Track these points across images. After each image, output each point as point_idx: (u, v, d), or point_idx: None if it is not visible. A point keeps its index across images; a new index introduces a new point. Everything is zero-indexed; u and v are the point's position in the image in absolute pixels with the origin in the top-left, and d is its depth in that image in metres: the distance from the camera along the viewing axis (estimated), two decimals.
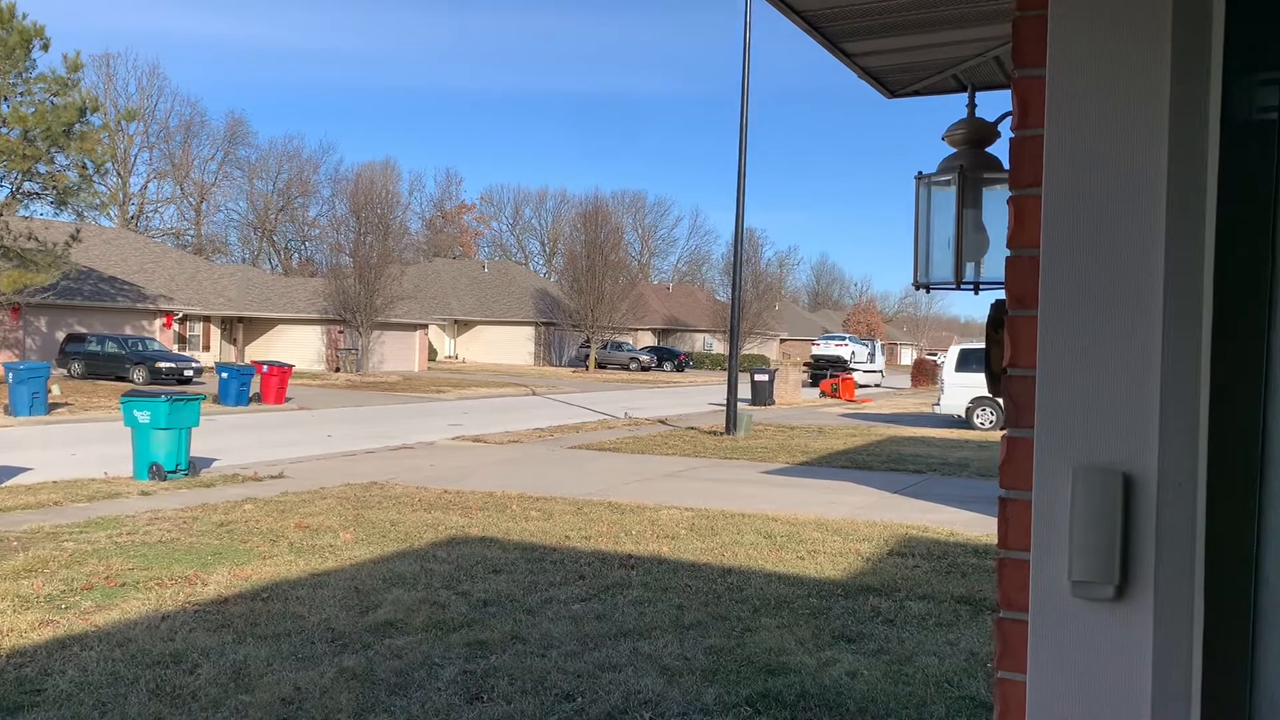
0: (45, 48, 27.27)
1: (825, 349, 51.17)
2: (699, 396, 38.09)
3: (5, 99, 27.05)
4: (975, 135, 2.53)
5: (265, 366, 28.22)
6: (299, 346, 46.00)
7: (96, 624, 6.41)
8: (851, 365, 48.40)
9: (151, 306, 40.01)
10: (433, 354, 56.20)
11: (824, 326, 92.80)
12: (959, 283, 2.46)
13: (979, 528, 10.55)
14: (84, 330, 35.58)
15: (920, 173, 2.60)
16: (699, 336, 74.10)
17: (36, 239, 28.08)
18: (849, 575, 8.22)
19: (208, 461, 14.71)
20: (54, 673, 5.45)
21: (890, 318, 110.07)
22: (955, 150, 2.54)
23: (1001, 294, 1.58)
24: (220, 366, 27.93)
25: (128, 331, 37.48)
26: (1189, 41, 1.30)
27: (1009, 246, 1.46)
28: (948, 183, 2.52)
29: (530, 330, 62.04)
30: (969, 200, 2.48)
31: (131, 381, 31.08)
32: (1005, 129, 2.54)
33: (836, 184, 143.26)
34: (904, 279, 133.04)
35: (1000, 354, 1.49)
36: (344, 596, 7.17)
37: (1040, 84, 1.40)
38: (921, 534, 10.16)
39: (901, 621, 6.83)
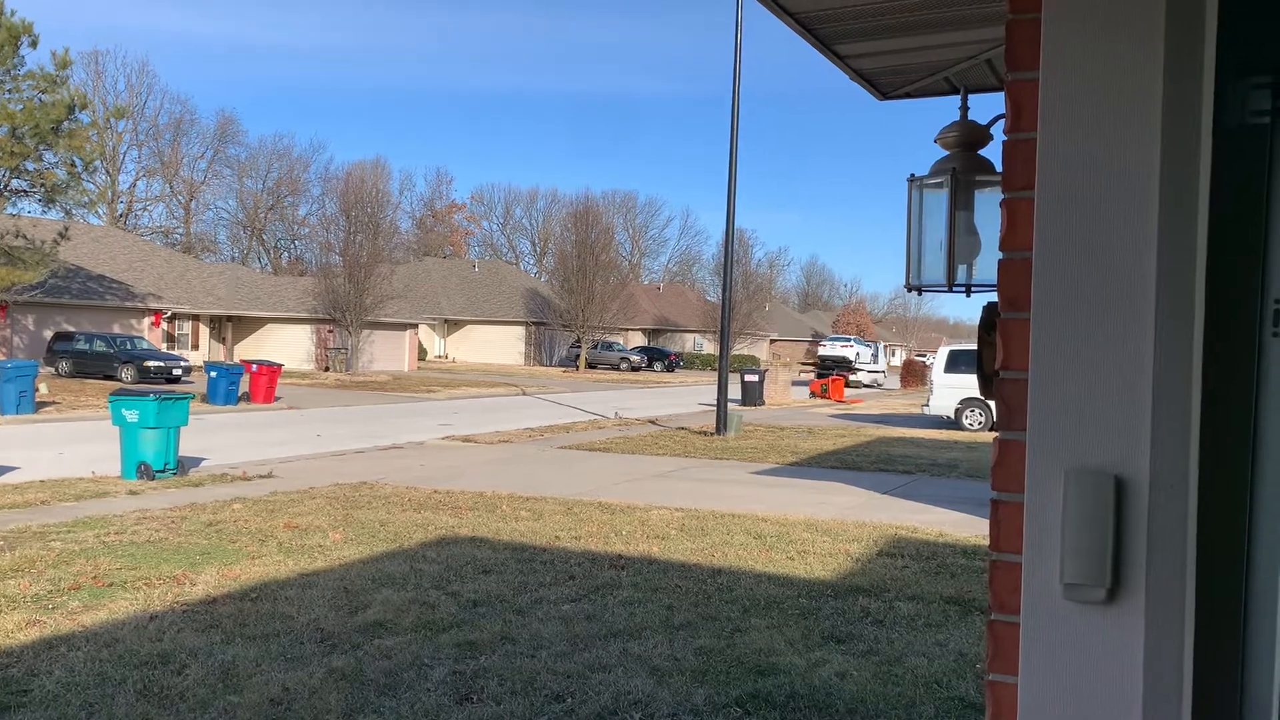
0: (34, 44, 27.11)
1: (831, 349, 52.95)
2: (689, 397, 38.10)
3: None
4: (968, 138, 2.54)
5: (254, 366, 28.12)
6: (288, 346, 45.86)
7: (84, 624, 6.38)
8: (856, 365, 50.51)
9: (140, 305, 39.84)
10: (423, 354, 56.09)
11: (814, 327, 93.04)
12: (951, 285, 2.46)
13: (968, 528, 10.58)
14: (72, 329, 35.41)
15: (913, 175, 2.60)
16: (689, 337, 74.15)
17: (24, 237, 27.91)
18: (838, 576, 8.23)
19: (196, 461, 14.65)
20: (41, 673, 5.42)
21: (880, 319, 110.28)
22: (948, 153, 2.54)
23: (993, 296, 1.58)
24: (209, 365, 27.82)
25: (116, 330, 37.30)
26: (1182, 45, 1.30)
27: (1001, 249, 1.46)
28: (940, 185, 2.52)
29: (521, 330, 61.98)
30: (961, 203, 2.48)
31: (120, 380, 30.93)
32: (998, 132, 2.54)
33: (827, 185, 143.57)
34: (893, 280, 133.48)
35: (992, 356, 1.49)
36: (333, 597, 7.15)
37: (1033, 87, 1.40)
38: (911, 534, 10.18)
39: (891, 622, 6.84)
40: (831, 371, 47.44)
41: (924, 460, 17.41)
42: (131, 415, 12.64)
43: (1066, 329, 1.36)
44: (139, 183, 70.82)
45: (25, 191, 29.08)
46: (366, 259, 45.18)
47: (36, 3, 32.12)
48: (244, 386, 27.47)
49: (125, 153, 67.24)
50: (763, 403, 33.03)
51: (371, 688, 5.36)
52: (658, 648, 6.14)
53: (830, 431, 23.35)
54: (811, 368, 48.78)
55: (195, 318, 44.97)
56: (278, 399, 28.45)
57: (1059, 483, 1.35)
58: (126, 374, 31.61)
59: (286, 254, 78.31)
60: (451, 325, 63.91)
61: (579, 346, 58.74)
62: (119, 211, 66.06)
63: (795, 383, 41.83)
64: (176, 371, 32.39)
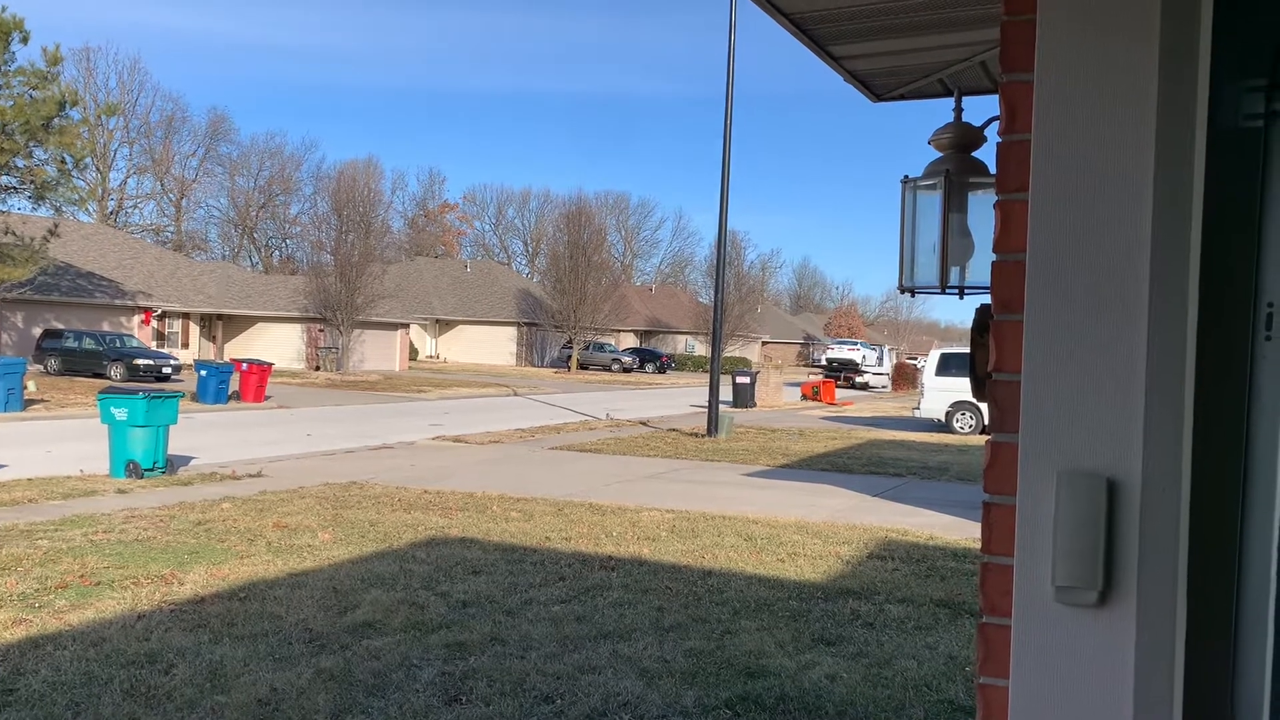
0: (24, 40, 26.98)
1: (839, 352, 55.04)
2: (681, 398, 38.11)
3: None
4: (961, 140, 2.54)
5: (245, 364, 28.02)
6: (279, 345, 45.72)
7: (70, 623, 6.34)
8: (863, 368, 52.54)
9: (130, 303, 39.68)
10: (414, 353, 55.99)
11: (805, 330, 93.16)
12: (944, 287, 2.46)
13: (958, 531, 10.59)
14: (61, 326, 35.25)
15: (906, 177, 2.60)
16: (681, 338, 74.18)
17: (13, 233, 27.77)
18: (829, 578, 8.24)
19: (185, 459, 14.59)
20: (27, 672, 5.39)
21: (871, 321, 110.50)
22: (941, 155, 2.54)
23: (986, 298, 1.58)
24: (199, 364, 27.72)
25: (105, 328, 37.16)
26: (1177, 47, 1.30)
27: (995, 251, 1.46)
28: (933, 187, 2.52)
29: (512, 330, 61.91)
30: (954, 205, 2.48)
31: (109, 378, 30.80)
32: (991, 134, 2.54)
33: (820, 187, 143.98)
34: (885, 283, 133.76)
35: (985, 358, 1.49)
36: (322, 597, 7.13)
37: (1028, 88, 1.40)
38: (901, 537, 10.19)
39: (881, 625, 6.84)
40: (840, 374, 50.12)
41: (915, 463, 17.44)
42: (120, 413, 12.58)
43: (1060, 331, 1.36)
44: (130, 180, 70.56)
45: (15, 188, 28.94)
46: (358, 258, 45.08)
47: None
48: (234, 385, 27.38)
49: (116, 150, 67.03)
50: (754, 404, 33.05)
51: (360, 688, 5.34)
52: (648, 649, 6.13)
53: (821, 434, 23.38)
54: (818, 370, 50.95)
55: (185, 316, 44.80)
56: (268, 398, 28.36)
57: (1051, 485, 1.35)
58: (116, 372, 31.47)
59: (278, 253, 78.11)
60: (443, 325, 63.81)
61: (571, 347, 58.71)
62: (109, 209, 65.77)
63: (798, 384, 42.45)
64: (166, 370, 32.26)
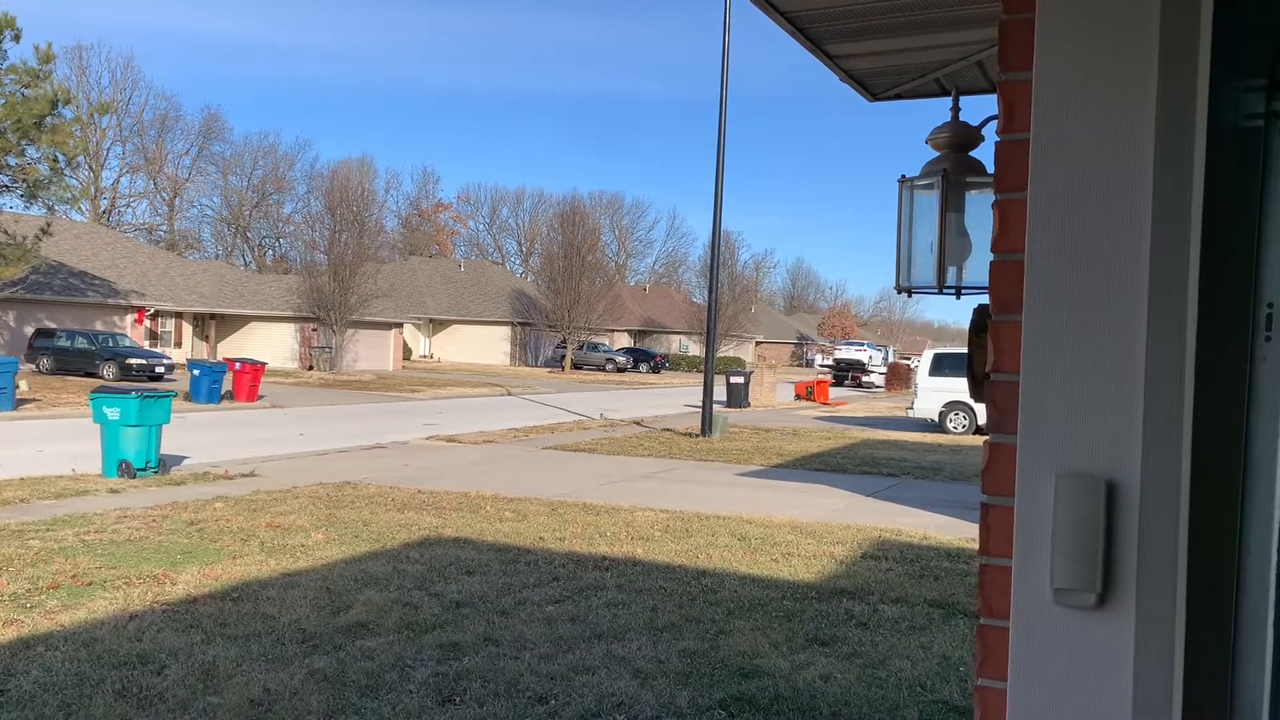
0: (16, 38, 26.87)
1: (846, 353, 57.66)
2: (675, 398, 38.09)
3: None
4: (959, 139, 2.53)
5: (238, 364, 27.95)
6: (272, 344, 45.62)
7: (62, 623, 6.32)
8: (869, 368, 54.47)
9: (123, 302, 39.56)
10: (407, 353, 55.91)
11: (799, 330, 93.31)
12: (941, 287, 2.45)
13: (952, 531, 10.60)
14: (53, 325, 35.14)
15: (903, 176, 2.59)
16: (675, 338, 74.18)
17: (6, 232, 27.65)
18: (823, 578, 8.23)
19: (178, 459, 14.55)
20: (17, 673, 5.36)
21: (865, 321, 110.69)
22: (938, 154, 2.54)
23: (983, 298, 1.57)
24: (192, 363, 27.63)
25: (98, 327, 37.05)
26: (1177, 46, 1.29)
27: (993, 250, 1.45)
28: (930, 186, 2.51)
29: (506, 330, 61.85)
30: (952, 204, 2.47)
31: (101, 377, 30.71)
32: (989, 133, 2.54)
33: (814, 188, 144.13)
34: (879, 283, 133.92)
35: (983, 359, 1.48)
36: (315, 597, 7.10)
37: (1026, 87, 1.39)
38: (895, 537, 10.19)
39: (875, 625, 6.84)
40: (847, 374, 52.66)
41: (908, 463, 17.45)
42: (113, 413, 12.54)
43: (1058, 331, 1.35)
44: (122, 179, 70.35)
45: (7, 187, 28.81)
46: (351, 258, 45.02)
47: None
48: (227, 385, 27.30)
49: (109, 149, 66.79)
50: (748, 404, 33.06)
51: (353, 689, 5.32)
52: (642, 650, 6.13)
53: (815, 434, 23.39)
54: (825, 370, 54.68)
55: (178, 315, 44.68)
56: (261, 397, 28.28)
57: (1050, 486, 1.34)
58: (108, 371, 31.38)
59: (271, 252, 77.99)
60: (437, 325, 63.72)
61: (564, 347, 58.67)
62: (102, 208, 65.56)
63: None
64: (159, 369, 32.18)
